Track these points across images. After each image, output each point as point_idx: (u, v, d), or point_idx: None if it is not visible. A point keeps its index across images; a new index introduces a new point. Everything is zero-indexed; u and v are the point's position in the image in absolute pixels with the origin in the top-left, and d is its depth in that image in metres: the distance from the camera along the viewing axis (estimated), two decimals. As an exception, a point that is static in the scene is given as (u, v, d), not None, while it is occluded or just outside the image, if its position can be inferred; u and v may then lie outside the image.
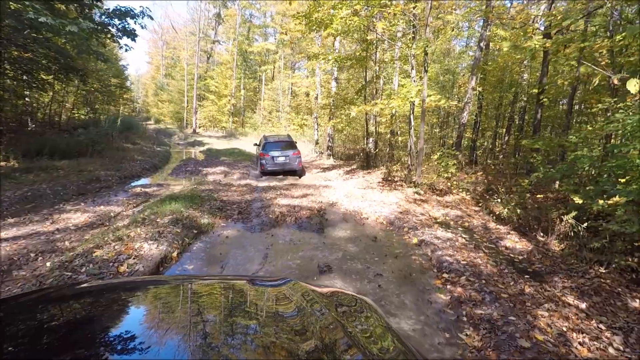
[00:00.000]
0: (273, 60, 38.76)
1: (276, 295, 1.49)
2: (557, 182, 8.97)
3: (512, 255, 5.55)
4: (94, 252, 4.41)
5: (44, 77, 14.27)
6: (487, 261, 5.03)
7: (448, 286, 4.38)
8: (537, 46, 6.92)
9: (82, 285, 1.60)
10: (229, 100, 36.01)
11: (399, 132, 17.24)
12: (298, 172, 13.29)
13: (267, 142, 13.20)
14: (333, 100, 16.27)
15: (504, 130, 18.76)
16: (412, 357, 1.19)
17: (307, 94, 34.96)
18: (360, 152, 18.72)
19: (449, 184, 10.30)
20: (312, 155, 18.94)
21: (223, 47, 44.56)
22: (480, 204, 9.24)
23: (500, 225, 7.15)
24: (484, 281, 4.35)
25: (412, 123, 10.72)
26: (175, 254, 4.82)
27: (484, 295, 4.00)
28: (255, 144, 14.68)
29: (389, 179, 12.00)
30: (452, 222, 7.38)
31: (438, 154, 9.84)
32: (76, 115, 21.28)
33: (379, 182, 11.52)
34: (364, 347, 1.14)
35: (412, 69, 10.29)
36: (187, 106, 38.52)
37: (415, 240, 6.12)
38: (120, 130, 17.76)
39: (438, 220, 7.43)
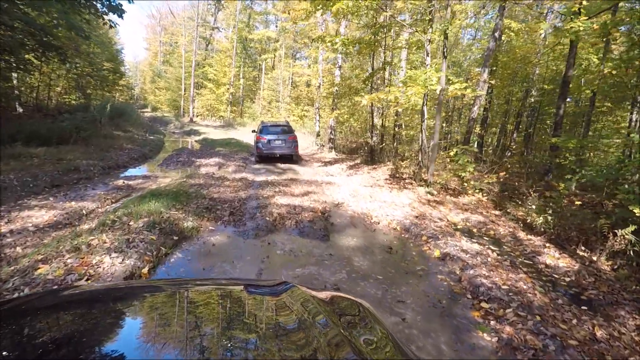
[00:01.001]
0: (274, 49, 37.46)
1: (275, 304, 1.39)
2: (587, 187, 8.04)
3: (555, 275, 4.58)
4: (39, 268, 3.41)
5: (28, 57, 13.15)
6: (532, 286, 4.06)
7: (491, 321, 3.40)
8: (581, 28, 5.89)
9: (67, 292, 1.44)
10: (228, 89, 34.80)
11: (403, 126, 16.20)
12: (294, 157, 13.60)
13: (264, 126, 13.50)
14: (337, 90, 15.16)
15: (512, 127, 17.77)
16: None
17: (309, 84, 33.78)
18: (364, 145, 17.70)
19: (464, 183, 9.33)
20: (312, 148, 17.90)
21: (223, 35, 43.16)
22: (500, 208, 8.27)
23: (532, 235, 6.17)
24: (537, 317, 3.37)
25: (426, 115, 9.70)
26: (145, 270, 3.81)
27: (544, 340, 3.03)
28: (253, 131, 14.78)
29: (397, 176, 11.00)
30: (475, 230, 6.41)
31: (454, 150, 8.82)
32: (67, 100, 20.15)
33: (386, 179, 10.53)
34: None
35: (428, 55, 9.23)
36: (185, 94, 37.28)
37: (437, 253, 5.14)
38: (110, 117, 16.62)
39: (459, 227, 6.45)
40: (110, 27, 11.33)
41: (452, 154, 8.75)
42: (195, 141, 20.92)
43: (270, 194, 7.42)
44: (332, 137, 16.97)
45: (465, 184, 9.28)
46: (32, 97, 17.65)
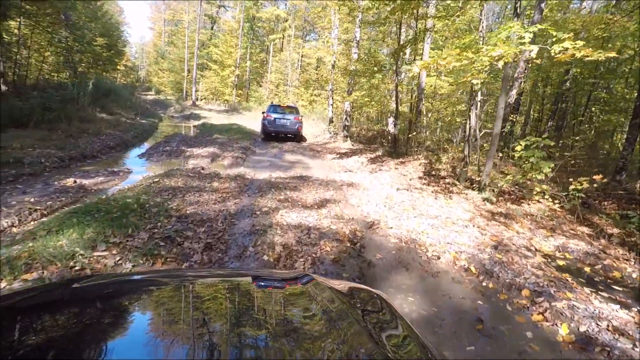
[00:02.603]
0: (283, 29, 34.69)
1: (297, 297, 1.35)
2: None
3: None
4: None
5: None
6: None
7: None
8: None
9: (69, 287, 1.31)
10: (233, 71, 32.25)
11: (424, 112, 13.76)
12: (297, 137, 13.99)
13: (272, 105, 14.14)
14: (355, 68, 12.62)
15: (547, 114, 15.18)
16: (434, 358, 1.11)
17: (318, 67, 31.10)
18: (385, 134, 15.26)
19: (525, 184, 6.95)
20: (324, 136, 15.46)
21: (229, 15, 40.34)
22: (586, 223, 5.92)
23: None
24: None
25: (479, 97, 7.29)
26: None
27: None
28: (263, 112, 14.56)
29: (433, 173, 8.64)
30: (587, 269, 4.08)
31: (522, 143, 6.42)
32: (55, 78, 17.91)
33: (421, 178, 8.18)
34: None
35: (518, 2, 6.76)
36: (188, 76, 34.78)
37: (565, 331, 2.83)
38: (95, 97, 14.34)
39: (561, 264, 4.13)
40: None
41: (518, 148, 6.32)
42: (194, 126, 18.61)
43: (273, 206, 5.07)
44: (347, 124, 14.55)
45: (522, 186, 6.91)
46: (23, 75, 15.53)
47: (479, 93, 7.25)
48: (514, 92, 13.68)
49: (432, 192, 6.88)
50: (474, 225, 5.03)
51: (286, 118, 13.41)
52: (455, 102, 13.51)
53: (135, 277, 1.69)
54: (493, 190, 6.61)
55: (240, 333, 0.98)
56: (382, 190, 6.91)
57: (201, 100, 35.48)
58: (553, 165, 6.61)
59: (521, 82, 13.12)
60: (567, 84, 13.22)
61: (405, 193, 6.69)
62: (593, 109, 14.04)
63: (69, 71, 19.05)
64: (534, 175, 6.05)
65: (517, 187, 7.43)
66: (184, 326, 1.00)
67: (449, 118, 14.37)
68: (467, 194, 6.75)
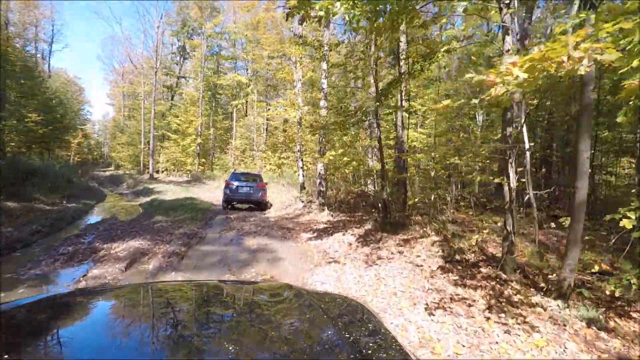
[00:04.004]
0: (245, 94, 33.06)
1: (274, 303, 1.37)
2: None
3: None
4: None
5: None
6: None
7: None
8: None
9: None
10: (195, 139, 29.69)
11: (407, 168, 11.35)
12: (261, 204, 12.90)
13: (234, 173, 13.61)
14: (325, 122, 10.08)
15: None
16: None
17: (285, 129, 29.12)
18: (366, 196, 12.56)
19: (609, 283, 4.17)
20: (296, 206, 12.54)
21: (192, 85, 38.76)
22: None
23: None
24: None
25: (510, 127, 4.74)
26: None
27: None
28: (226, 180, 13.95)
29: (456, 258, 5.79)
30: None
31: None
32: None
33: (444, 270, 5.30)
34: None
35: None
36: (145, 148, 31.89)
37: None
38: (7, 181, 11.08)
39: None
40: None
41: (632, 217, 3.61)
42: (140, 205, 15.34)
43: None
44: (322, 189, 11.79)
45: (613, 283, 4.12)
46: None
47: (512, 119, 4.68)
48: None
49: (485, 307, 3.94)
50: None
51: (249, 185, 12.46)
52: (446, 153, 11.22)
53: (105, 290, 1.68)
54: (590, 300, 3.78)
55: (209, 335, 0.97)
56: (399, 311, 3.93)
57: (162, 172, 32.39)
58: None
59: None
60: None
61: (444, 318, 3.71)
62: None
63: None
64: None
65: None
66: (152, 330, 1.00)
67: (435, 173, 12.00)
68: (540, 306, 3.87)
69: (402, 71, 6.85)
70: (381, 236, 7.59)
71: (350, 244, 7.44)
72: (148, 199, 16.73)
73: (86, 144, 57.63)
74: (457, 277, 5.01)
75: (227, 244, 7.86)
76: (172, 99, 36.89)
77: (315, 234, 8.67)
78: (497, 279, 4.86)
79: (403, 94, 8.63)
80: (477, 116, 14.14)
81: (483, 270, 5.24)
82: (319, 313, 1.22)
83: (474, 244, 6.17)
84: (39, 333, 0.97)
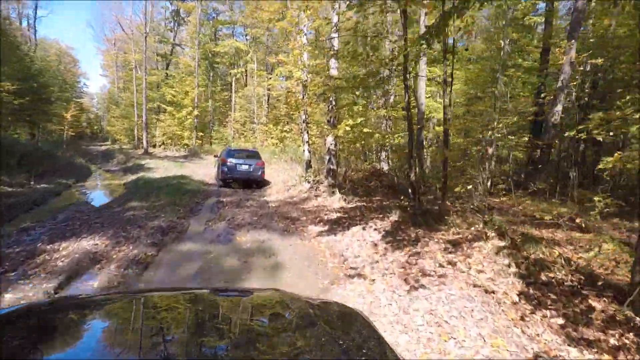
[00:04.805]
0: (245, 62, 30.46)
1: (265, 307, 1.32)
2: None
3: None
4: None
5: None
6: None
7: None
8: None
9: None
10: (191, 111, 27.39)
11: (425, 144, 9.23)
12: (260, 182, 12.22)
13: (229, 149, 12.89)
14: (336, 83, 7.83)
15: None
16: None
17: (287, 100, 26.74)
18: (379, 174, 10.58)
19: None
20: (301, 187, 10.50)
21: (187, 55, 36.00)
22: None
23: None
24: None
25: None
26: None
27: None
28: (215, 156, 14.15)
29: (543, 280, 3.86)
30: None
31: None
32: None
33: (529, 300, 3.39)
34: None
35: None
36: (138, 121, 29.71)
37: None
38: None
39: None
40: None
41: None
42: (123, 184, 13.43)
43: None
44: (332, 167, 9.78)
45: None
46: None
47: None
48: (559, 109, 9.74)
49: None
50: None
51: (247, 163, 11.65)
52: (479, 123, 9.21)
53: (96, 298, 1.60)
54: None
55: (202, 343, 0.93)
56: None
57: (159, 146, 30.29)
58: None
59: (564, 93, 8.94)
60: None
61: None
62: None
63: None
64: None
65: None
66: (145, 336, 0.96)
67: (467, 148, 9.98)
68: None
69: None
70: (416, 234, 5.65)
71: (376, 245, 5.52)
72: (135, 176, 14.79)
73: (85, 118, 55.38)
74: (561, 320, 3.09)
75: (212, 241, 5.97)
76: (167, 69, 34.31)
77: (326, 227, 6.74)
78: (631, 326, 2.94)
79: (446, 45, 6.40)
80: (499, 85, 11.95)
81: (594, 304, 3.31)
82: (312, 318, 1.17)
83: (556, 255, 4.23)
84: (14, 349, 0.89)
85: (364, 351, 1.03)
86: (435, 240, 5.25)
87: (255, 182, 11.96)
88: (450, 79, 5.91)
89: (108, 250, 5.22)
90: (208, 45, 29.74)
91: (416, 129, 8.90)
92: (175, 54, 35.44)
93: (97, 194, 11.76)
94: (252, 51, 29.64)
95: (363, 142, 8.90)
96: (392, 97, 13.48)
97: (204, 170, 16.65)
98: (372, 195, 9.36)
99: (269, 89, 28.29)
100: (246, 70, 31.15)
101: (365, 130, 7.44)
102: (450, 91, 6.18)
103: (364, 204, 8.36)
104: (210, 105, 30.50)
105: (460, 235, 5.23)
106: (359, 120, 7.05)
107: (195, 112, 27.41)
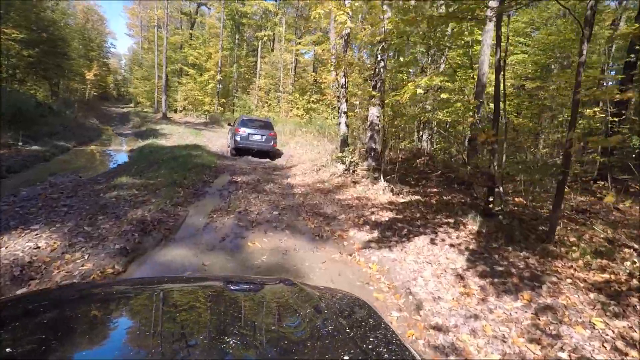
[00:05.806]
0: (273, 24, 27.85)
1: (277, 301, 1.27)
2: None
3: None
4: None
5: None
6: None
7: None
8: None
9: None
10: (213, 76, 25.36)
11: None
12: (271, 154, 12.00)
13: (242, 119, 12.28)
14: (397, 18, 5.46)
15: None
16: None
17: (315, 68, 24.21)
18: (421, 155, 8.38)
19: None
20: (334, 169, 8.36)
21: (212, 15, 33.55)
22: None
23: None
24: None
25: None
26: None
27: None
28: (229, 124, 13.62)
29: None
30: None
31: None
32: None
33: None
34: None
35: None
36: (158, 83, 27.92)
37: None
38: None
39: None
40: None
41: None
42: (129, 151, 11.73)
43: None
44: (374, 146, 7.62)
45: None
46: None
47: None
48: None
49: None
50: None
51: (260, 134, 11.53)
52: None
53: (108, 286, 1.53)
54: None
55: (218, 339, 0.92)
56: None
57: (181, 111, 28.56)
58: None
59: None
60: None
61: None
62: None
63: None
64: None
65: None
66: (162, 334, 0.94)
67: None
68: None
69: None
70: (525, 262, 3.53)
71: (462, 278, 3.44)
72: (145, 142, 13.05)
73: (112, 79, 54.12)
74: None
75: (213, 248, 4.06)
76: (192, 28, 32.10)
77: (375, 233, 4.68)
78: None
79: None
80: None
81: None
82: (319, 307, 1.15)
83: None
84: (35, 329, 0.88)
85: (371, 339, 1.00)
86: (568, 278, 3.13)
87: (266, 154, 11.82)
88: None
89: (51, 259, 3.36)
90: (234, 4, 27.22)
91: (474, 104, 6.58)
92: (201, 14, 33.07)
93: (93, 161, 10.05)
94: (280, 13, 27.02)
95: (421, 117, 6.61)
96: (442, 66, 10.97)
97: (222, 141, 14.76)
98: (423, 184, 7.21)
99: (296, 55, 25.74)
100: (274, 34, 28.58)
101: (443, 95, 5.18)
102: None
103: (419, 197, 6.24)
104: (234, 71, 28.33)
105: (574, 258, 3.08)
106: (436, 80, 4.79)
107: (218, 77, 25.36)
